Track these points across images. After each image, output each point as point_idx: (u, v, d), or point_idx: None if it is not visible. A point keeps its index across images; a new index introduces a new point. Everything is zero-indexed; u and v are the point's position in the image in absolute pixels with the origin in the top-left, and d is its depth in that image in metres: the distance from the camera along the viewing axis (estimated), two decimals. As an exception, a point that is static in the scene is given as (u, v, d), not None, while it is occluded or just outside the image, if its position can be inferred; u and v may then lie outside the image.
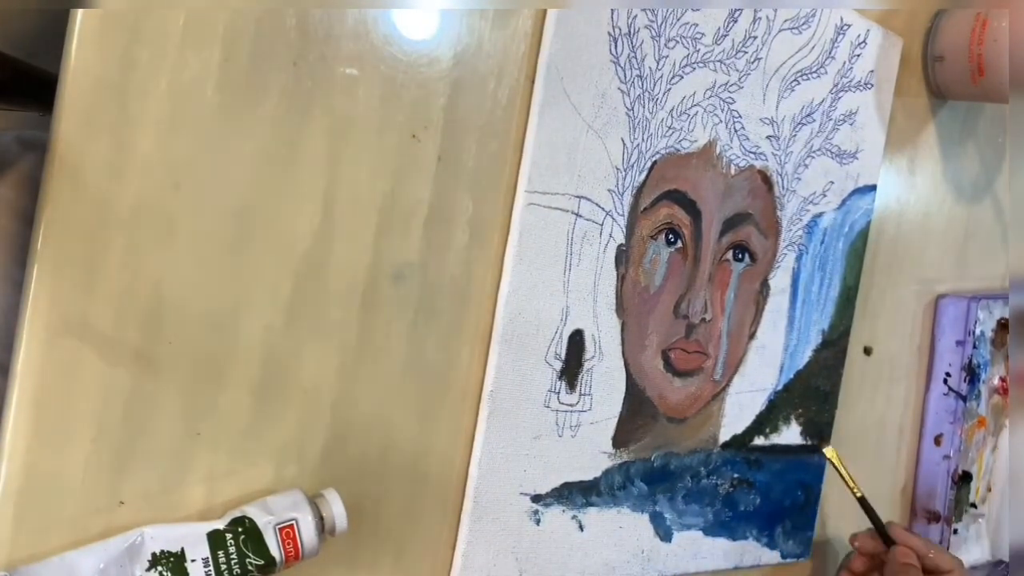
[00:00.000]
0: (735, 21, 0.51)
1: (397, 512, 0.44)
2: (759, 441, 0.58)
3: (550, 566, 0.49)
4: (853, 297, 0.63)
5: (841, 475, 0.58)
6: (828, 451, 0.59)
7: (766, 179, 0.55)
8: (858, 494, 0.58)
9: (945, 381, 0.72)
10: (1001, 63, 0.61)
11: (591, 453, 0.50)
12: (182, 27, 0.36)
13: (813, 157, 0.58)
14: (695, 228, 0.52)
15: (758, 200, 0.55)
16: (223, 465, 0.39)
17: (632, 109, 0.48)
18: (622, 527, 0.52)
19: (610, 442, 0.50)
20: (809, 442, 0.61)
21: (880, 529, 0.58)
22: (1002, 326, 0.74)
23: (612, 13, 0.46)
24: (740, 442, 0.57)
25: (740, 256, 0.55)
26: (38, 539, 0.35)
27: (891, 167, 0.65)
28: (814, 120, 0.57)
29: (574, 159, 0.46)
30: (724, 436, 0.56)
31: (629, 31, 0.47)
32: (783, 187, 0.57)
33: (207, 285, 0.38)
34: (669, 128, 0.50)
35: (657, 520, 0.53)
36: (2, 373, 0.35)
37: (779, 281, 0.58)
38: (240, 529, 0.37)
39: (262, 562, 0.37)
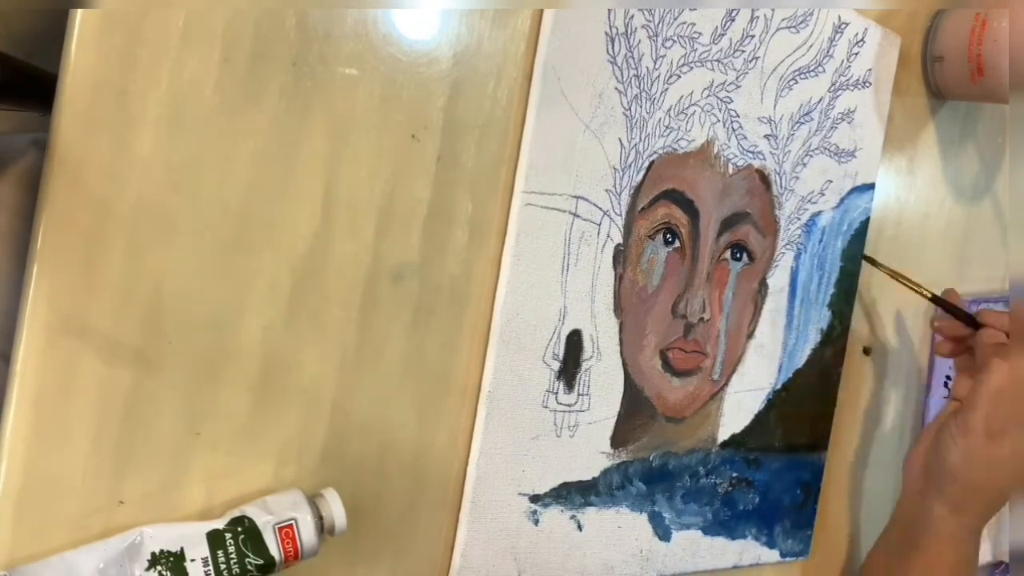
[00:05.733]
0: (732, 20, 0.52)
1: (396, 512, 0.44)
2: (758, 440, 0.58)
3: (549, 566, 0.49)
4: (852, 296, 0.63)
5: (906, 284, 0.57)
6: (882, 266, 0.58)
7: (764, 178, 0.56)
8: (928, 295, 0.57)
9: (945, 384, 0.72)
10: (1001, 63, 0.61)
11: (589, 453, 0.50)
12: (182, 27, 0.36)
13: (811, 156, 0.58)
14: (693, 228, 0.52)
15: (756, 199, 0.55)
16: (222, 465, 0.39)
17: (629, 109, 0.48)
18: (621, 527, 0.52)
19: (608, 442, 0.50)
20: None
21: (963, 316, 0.56)
22: (1002, 326, 0.74)
23: (609, 13, 0.46)
24: (739, 441, 0.57)
25: (738, 255, 0.55)
26: (38, 539, 0.35)
27: (890, 167, 0.66)
28: (812, 119, 0.58)
29: (571, 159, 0.46)
30: (723, 435, 0.56)
31: (626, 31, 0.47)
32: (781, 186, 0.57)
33: (207, 285, 0.38)
34: (667, 128, 0.50)
35: (656, 520, 0.54)
36: (3, 360, 0.35)
37: (777, 280, 0.58)
38: (239, 529, 0.37)
39: (261, 562, 0.37)
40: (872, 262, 0.61)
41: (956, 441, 0.54)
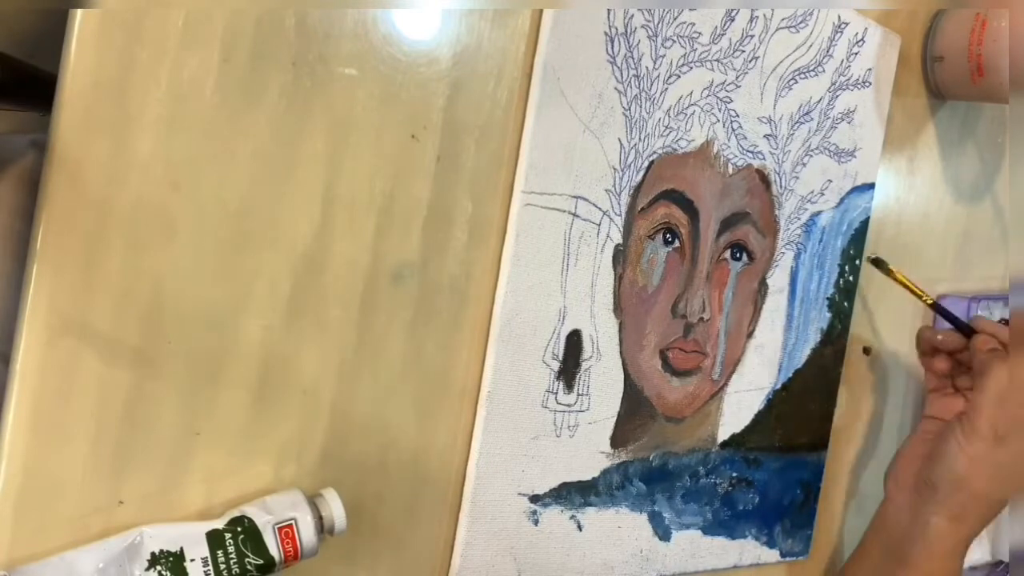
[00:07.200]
0: (732, 20, 0.52)
1: (396, 512, 0.44)
2: (758, 440, 0.58)
3: (549, 566, 0.49)
4: (852, 296, 0.63)
5: (907, 286, 0.57)
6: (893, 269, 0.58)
7: (764, 178, 0.56)
8: (928, 301, 0.57)
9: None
10: (1001, 63, 0.61)
11: (589, 453, 0.50)
12: (182, 27, 0.36)
13: (811, 156, 0.58)
14: (693, 227, 0.52)
15: (756, 199, 0.55)
16: (222, 465, 0.39)
17: (629, 109, 0.48)
18: (621, 527, 0.52)
19: (608, 442, 0.50)
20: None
21: (960, 325, 0.55)
22: (1002, 326, 0.74)
23: (609, 13, 0.46)
24: (739, 441, 0.57)
25: (738, 255, 0.55)
26: (38, 539, 0.35)
27: (890, 167, 0.66)
28: (812, 119, 0.58)
29: (571, 159, 0.46)
30: (722, 435, 0.56)
31: (626, 31, 0.47)
32: (781, 186, 0.57)
33: (207, 285, 0.38)
34: (666, 128, 0.50)
35: (656, 520, 0.54)
36: (3, 360, 0.35)
37: (777, 280, 0.58)
38: (239, 529, 0.37)
39: (261, 562, 0.37)
40: (878, 264, 0.60)
41: (963, 448, 0.53)
